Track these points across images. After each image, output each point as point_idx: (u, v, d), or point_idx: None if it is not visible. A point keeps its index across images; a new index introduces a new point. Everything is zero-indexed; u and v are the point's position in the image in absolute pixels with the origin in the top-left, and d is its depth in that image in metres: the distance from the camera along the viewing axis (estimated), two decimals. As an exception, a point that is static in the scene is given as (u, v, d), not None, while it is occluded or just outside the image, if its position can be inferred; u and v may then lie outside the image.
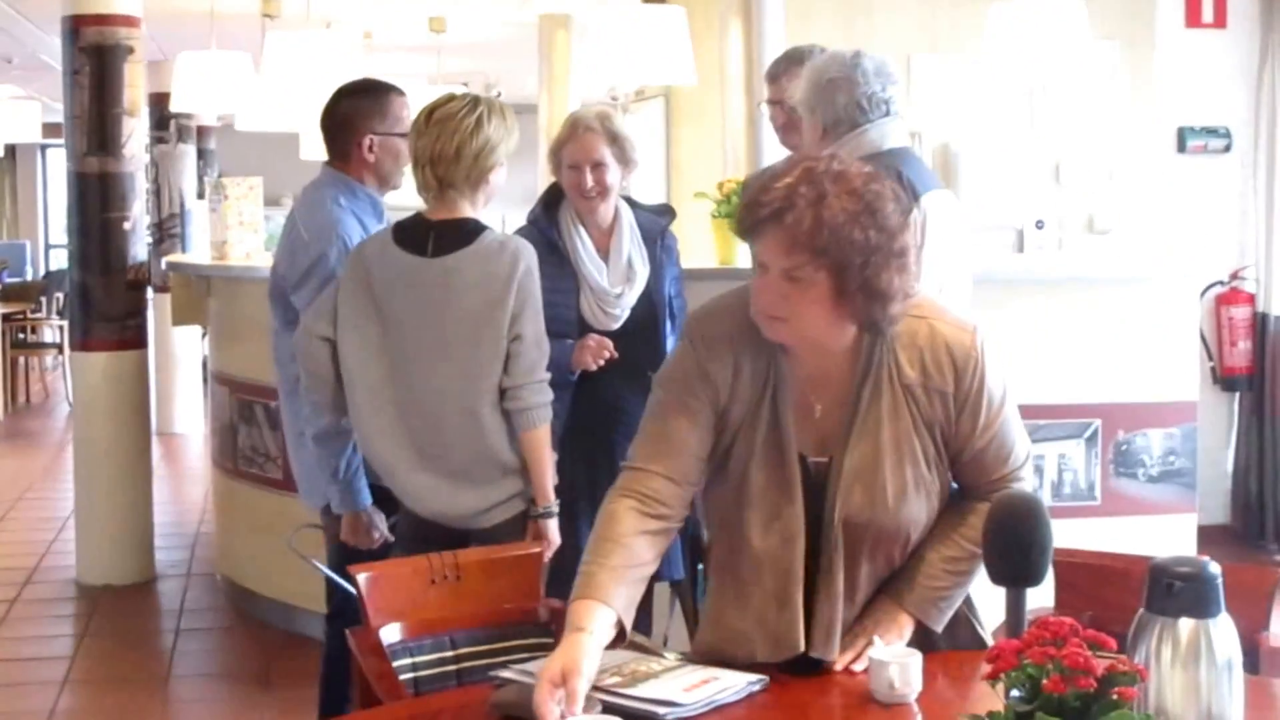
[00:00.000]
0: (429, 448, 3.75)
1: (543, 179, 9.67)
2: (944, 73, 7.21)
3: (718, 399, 2.69)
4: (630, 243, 4.26)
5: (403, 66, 11.35)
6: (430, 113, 3.74)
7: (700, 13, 7.19)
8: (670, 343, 4.22)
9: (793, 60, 4.72)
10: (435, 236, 3.74)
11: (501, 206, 4.21)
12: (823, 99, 4.05)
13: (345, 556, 4.12)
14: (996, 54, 6.03)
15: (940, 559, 2.75)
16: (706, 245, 5.77)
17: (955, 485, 2.82)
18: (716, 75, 7.31)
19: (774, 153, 5.21)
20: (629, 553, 2.62)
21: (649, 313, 4.25)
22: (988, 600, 2.86)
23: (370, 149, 4.17)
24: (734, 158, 7.16)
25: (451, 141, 3.69)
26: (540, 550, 3.43)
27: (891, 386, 2.66)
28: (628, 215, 4.30)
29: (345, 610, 4.10)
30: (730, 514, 2.72)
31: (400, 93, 4.28)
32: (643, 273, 4.26)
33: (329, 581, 4.26)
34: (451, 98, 3.78)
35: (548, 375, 3.74)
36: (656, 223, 4.36)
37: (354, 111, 4.21)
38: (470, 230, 3.74)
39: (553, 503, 3.75)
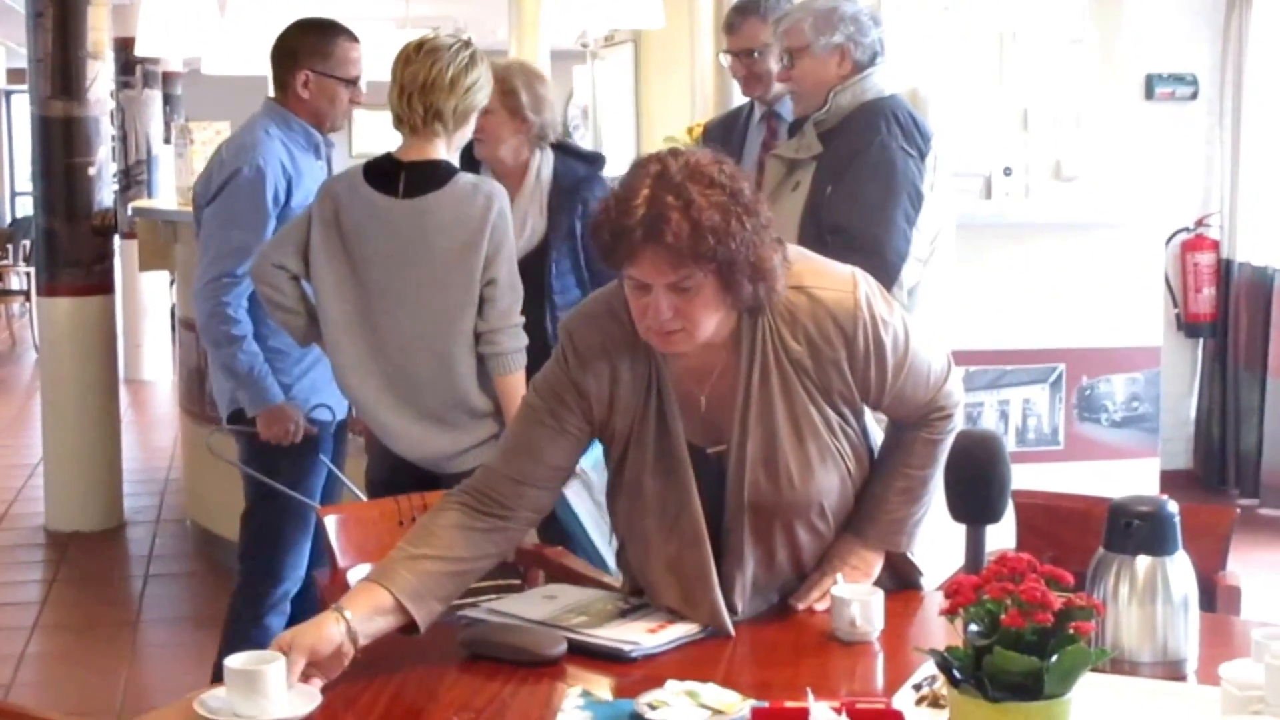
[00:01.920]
0: (400, 389, 3.75)
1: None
2: (914, 19, 7.19)
3: (591, 413, 2.62)
4: (530, 199, 4.16)
5: (371, 10, 11.28)
6: (420, 44, 3.71)
7: (668, -43, 7.16)
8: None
9: (749, 10, 4.67)
10: (407, 177, 3.72)
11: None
12: (856, 34, 3.96)
13: (256, 482, 4.22)
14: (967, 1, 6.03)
15: (894, 492, 2.74)
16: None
17: (888, 420, 2.81)
18: (685, 19, 7.29)
19: (741, 97, 5.19)
20: (439, 543, 2.54)
21: (535, 269, 4.06)
22: (938, 546, 2.90)
23: (305, 85, 4.17)
24: (702, 102, 7.15)
25: (447, 71, 3.65)
26: None
27: (779, 365, 2.59)
28: (539, 168, 4.20)
29: (253, 551, 4.17)
30: (633, 523, 2.69)
31: (352, 37, 4.25)
32: (534, 229, 4.17)
33: (241, 521, 4.31)
34: (436, 35, 3.77)
35: (522, 319, 3.73)
36: (575, 171, 4.23)
37: (298, 46, 4.21)
38: (444, 172, 3.71)
39: None
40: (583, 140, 11.23)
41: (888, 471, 2.76)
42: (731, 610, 2.62)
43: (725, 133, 4.86)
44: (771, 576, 2.71)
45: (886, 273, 3.68)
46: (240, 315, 4.06)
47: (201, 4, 8.14)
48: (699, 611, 2.60)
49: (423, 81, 3.66)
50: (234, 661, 2.23)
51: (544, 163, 4.20)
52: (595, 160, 4.38)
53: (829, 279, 2.64)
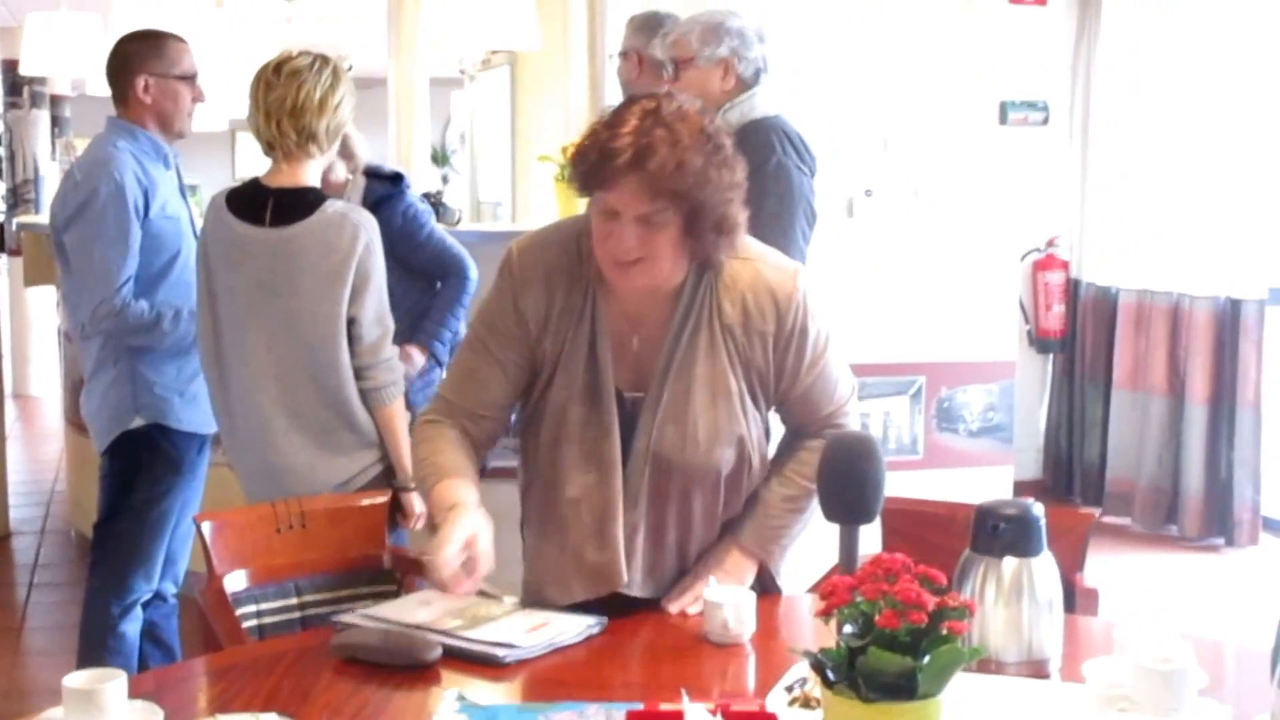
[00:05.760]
0: (279, 421, 3.52)
1: (392, 149, 9.53)
2: (786, 45, 7.17)
3: (528, 333, 2.62)
4: None
5: (255, 33, 11.08)
6: (279, 66, 3.49)
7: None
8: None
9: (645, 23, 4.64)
10: (274, 205, 3.50)
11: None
12: (740, 48, 3.90)
13: (113, 495, 4.10)
14: (834, 29, 6.02)
15: (779, 498, 2.71)
16: (550, 208, 5.69)
17: (786, 427, 2.80)
18: (560, 40, 7.22)
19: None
20: (457, 445, 2.63)
21: None
22: (805, 548, 2.85)
23: (146, 90, 4.02)
24: (577, 122, 7.08)
25: (315, 92, 3.46)
26: (385, 503, 3.27)
27: (710, 326, 2.59)
28: (351, 189, 4.13)
29: (106, 560, 4.09)
30: (549, 451, 2.64)
31: (180, 39, 4.13)
32: None
33: (95, 529, 4.18)
34: (291, 54, 3.55)
35: (395, 350, 3.55)
36: (377, 190, 4.15)
37: (130, 53, 4.07)
38: (311, 200, 3.49)
39: (410, 475, 3.50)
40: (460, 162, 11.13)
41: (777, 477, 2.74)
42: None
43: None
44: (658, 558, 2.66)
45: None
46: (141, 305, 3.90)
47: (85, 25, 7.92)
48: (603, 551, 2.60)
49: (291, 105, 3.45)
50: (72, 681, 2.07)
51: (356, 184, 4.13)
52: (397, 179, 4.32)
53: (775, 260, 2.68)
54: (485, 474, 2.69)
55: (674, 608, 2.64)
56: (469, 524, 2.44)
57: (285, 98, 3.46)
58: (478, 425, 2.67)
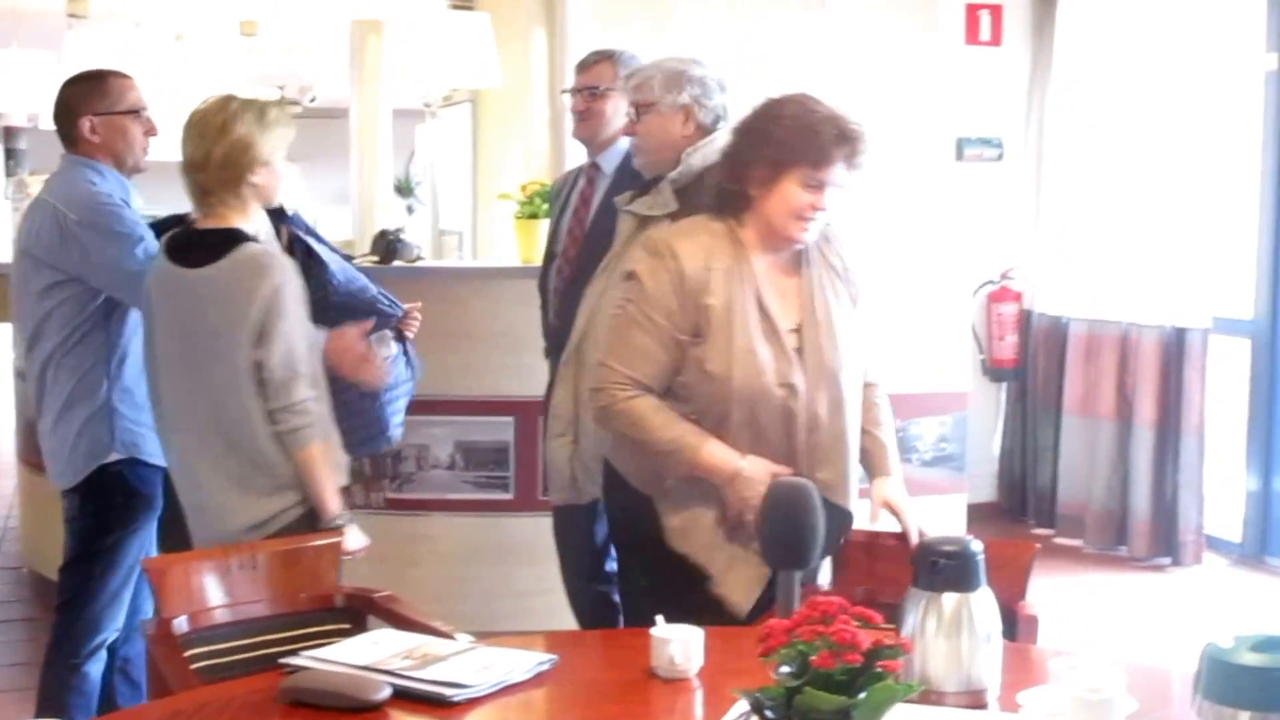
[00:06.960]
0: (202, 461, 3.49)
1: (354, 181, 9.56)
2: (745, 85, 7.22)
3: (695, 296, 3.15)
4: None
5: (216, 68, 11.09)
6: (201, 116, 3.48)
7: (505, 19, 7.13)
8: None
9: (604, 55, 4.64)
10: (198, 246, 3.48)
11: (315, 207, 4.00)
12: (702, 96, 3.93)
13: (86, 537, 4.05)
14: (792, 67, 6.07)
15: (885, 433, 3.41)
16: (510, 244, 5.71)
17: None
18: (521, 80, 7.26)
19: (575, 155, 5.16)
20: (671, 408, 3.19)
21: None
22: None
23: (94, 131, 3.97)
24: (537, 159, 7.12)
25: (201, 146, 3.43)
26: (339, 542, 3.25)
27: (826, 268, 3.29)
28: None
29: (75, 601, 4.06)
30: (747, 387, 3.15)
31: (123, 75, 4.08)
32: None
33: (62, 570, 4.13)
34: (208, 101, 3.52)
35: (311, 393, 3.43)
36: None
37: (72, 96, 4.02)
38: (229, 241, 3.44)
39: (334, 516, 3.42)
40: (424, 194, 11.15)
41: (879, 422, 3.40)
42: None
43: (559, 187, 4.83)
44: (819, 441, 3.22)
45: None
46: None
47: (38, 59, 7.91)
48: (791, 453, 3.17)
49: (189, 162, 3.46)
50: None
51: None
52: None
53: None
54: (458, 506, 2.69)
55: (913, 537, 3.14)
56: (768, 467, 3.10)
57: (186, 154, 3.46)
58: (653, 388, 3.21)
